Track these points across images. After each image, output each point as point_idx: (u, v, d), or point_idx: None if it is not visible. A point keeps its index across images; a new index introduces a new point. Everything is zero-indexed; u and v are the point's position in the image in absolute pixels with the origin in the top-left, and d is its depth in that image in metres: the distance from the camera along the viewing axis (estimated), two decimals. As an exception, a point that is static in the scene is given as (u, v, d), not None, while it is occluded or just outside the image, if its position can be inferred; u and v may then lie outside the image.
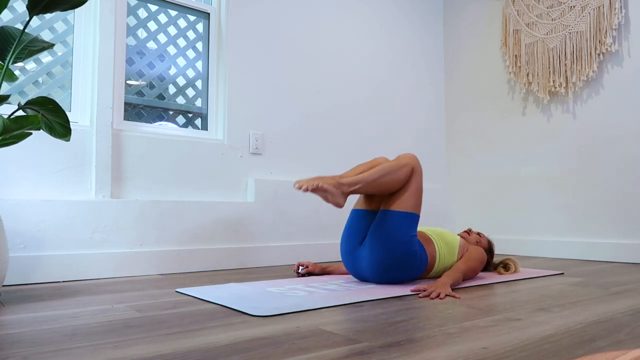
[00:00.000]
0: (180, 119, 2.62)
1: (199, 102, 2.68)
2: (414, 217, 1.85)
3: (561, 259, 3.00)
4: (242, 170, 2.70)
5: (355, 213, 1.95)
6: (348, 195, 1.76)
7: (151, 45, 2.54)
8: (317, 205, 2.91)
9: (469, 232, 2.24)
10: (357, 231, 1.91)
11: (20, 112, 2.26)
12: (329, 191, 1.68)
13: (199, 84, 2.68)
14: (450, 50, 3.83)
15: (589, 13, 2.97)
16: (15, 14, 2.15)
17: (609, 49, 2.88)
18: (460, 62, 3.76)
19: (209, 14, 2.72)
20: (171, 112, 2.59)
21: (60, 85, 2.25)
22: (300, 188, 1.65)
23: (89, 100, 2.26)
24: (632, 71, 2.82)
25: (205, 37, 2.72)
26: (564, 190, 3.09)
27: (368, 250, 1.84)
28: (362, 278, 1.92)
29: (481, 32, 3.63)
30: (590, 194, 2.96)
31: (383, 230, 1.81)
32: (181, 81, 2.62)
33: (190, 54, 2.66)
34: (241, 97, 2.72)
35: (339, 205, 1.74)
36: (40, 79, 2.20)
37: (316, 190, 1.67)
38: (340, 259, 2.96)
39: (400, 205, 1.83)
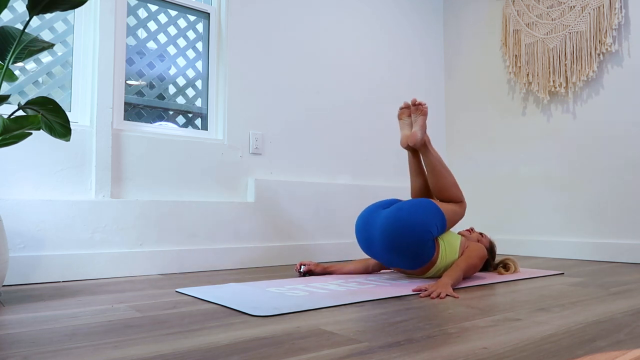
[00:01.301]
0: (180, 119, 2.62)
1: (199, 102, 2.68)
2: (444, 222, 1.93)
3: (561, 259, 3.00)
4: (242, 170, 2.70)
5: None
6: (425, 142, 2.01)
7: (151, 45, 2.54)
8: (317, 206, 2.91)
9: (470, 230, 2.25)
10: (387, 203, 2.01)
11: (20, 112, 2.26)
12: (424, 121, 2.00)
13: (199, 84, 2.68)
14: (450, 50, 3.83)
15: (589, 13, 2.97)
16: (15, 14, 2.15)
17: (609, 49, 2.88)
18: (460, 62, 3.76)
19: (209, 14, 2.72)
20: (171, 112, 2.59)
21: (60, 85, 2.25)
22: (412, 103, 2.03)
23: (89, 100, 2.26)
24: (632, 71, 2.82)
25: (205, 37, 2.72)
26: (563, 190, 3.09)
27: (392, 210, 1.89)
28: (369, 239, 1.95)
29: (481, 32, 3.63)
30: (590, 194, 2.96)
31: (418, 204, 1.90)
32: (181, 81, 2.62)
33: (190, 54, 2.66)
34: (241, 97, 2.72)
35: (415, 137, 1.97)
36: (40, 79, 2.20)
37: (420, 106, 2.00)
38: (342, 261, 2.96)
39: (442, 207, 1.96)
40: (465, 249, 2.02)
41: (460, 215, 2.04)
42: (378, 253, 1.93)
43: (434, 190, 2.06)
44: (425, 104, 2.02)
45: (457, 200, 2.04)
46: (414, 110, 2.04)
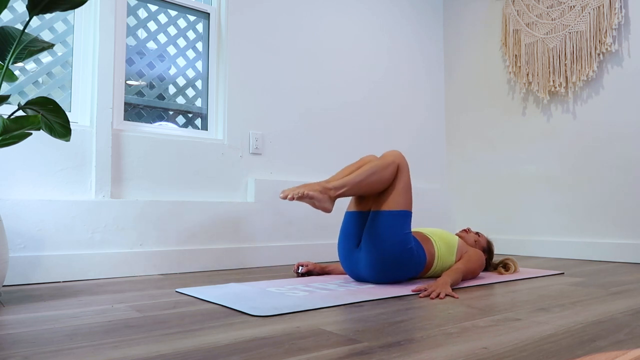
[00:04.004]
0: (180, 119, 2.62)
1: (199, 102, 2.68)
2: (406, 215, 1.84)
3: (561, 259, 3.00)
4: (242, 170, 2.70)
5: (348, 215, 1.95)
6: (335, 199, 1.76)
7: (151, 45, 2.54)
8: (317, 205, 2.91)
9: (467, 231, 2.25)
10: (352, 234, 1.91)
11: (20, 112, 2.26)
12: (316, 198, 1.68)
13: (199, 84, 2.68)
14: (450, 50, 3.83)
15: (589, 13, 2.97)
16: (15, 14, 2.15)
17: (609, 49, 2.88)
18: (460, 62, 3.76)
19: (209, 14, 2.72)
20: (171, 112, 2.59)
21: (60, 85, 2.25)
22: (285, 197, 1.65)
23: (89, 100, 2.26)
24: (632, 71, 2.82)
25: (205, 37, 2.72)
26: (564, 190, 3.09)
27: (364, 253, 1.83)
28: (361, 280, 1.92)
29: (481, 32, 3.63)
30: (590, 194, 2.96)
31: (376, 232, 1.80)
32: (181, 81, 2.62)
33: (190, 54, 2.66)
34: (241, 97, 2.72)
35: (327, 211, 1.73)
36: (40, 79, 2.20)
37: (302, 198, 1.66)
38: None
39: (391, 204, 1.83)
40: (464, 253, 2.02)
41: (406, 178, 1.86)
42: (376, 283, 1.91)
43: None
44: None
45: (392, 177, 1.84)
46: None
